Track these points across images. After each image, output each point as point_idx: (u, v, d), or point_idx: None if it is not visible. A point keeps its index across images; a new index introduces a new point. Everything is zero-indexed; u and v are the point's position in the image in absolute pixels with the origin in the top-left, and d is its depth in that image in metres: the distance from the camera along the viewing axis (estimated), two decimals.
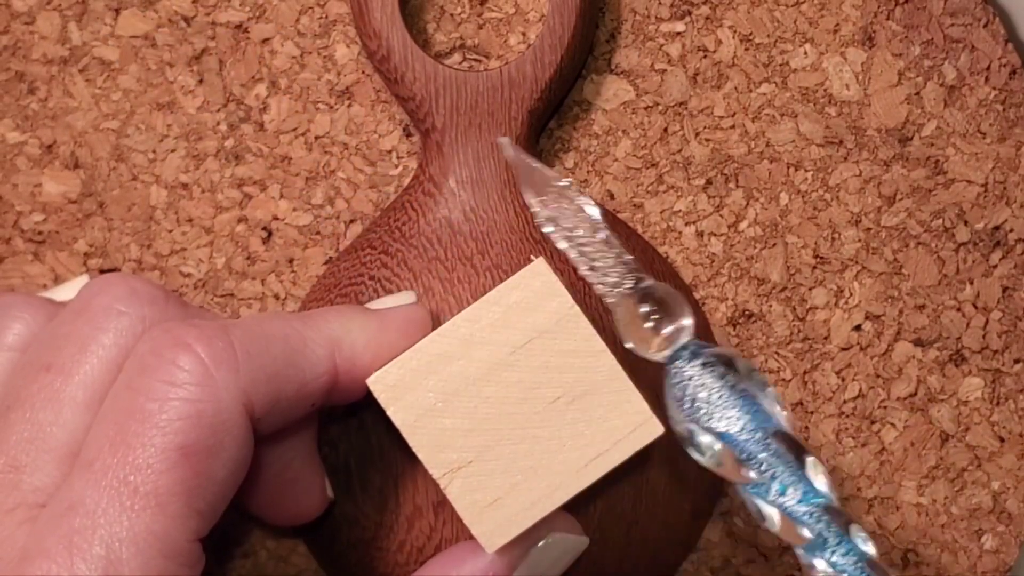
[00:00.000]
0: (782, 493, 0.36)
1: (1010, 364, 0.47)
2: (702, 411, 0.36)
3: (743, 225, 0.47)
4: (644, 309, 0.38)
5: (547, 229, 0.40)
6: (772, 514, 0.36)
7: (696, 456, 0.37)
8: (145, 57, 0.48)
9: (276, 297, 0.47)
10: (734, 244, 0.47)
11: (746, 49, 0.47)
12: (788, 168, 0.47)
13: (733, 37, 0.47)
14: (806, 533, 0.35)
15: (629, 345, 0.38)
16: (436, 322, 0.40)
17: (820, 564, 0.35)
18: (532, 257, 0.39)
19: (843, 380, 0.47)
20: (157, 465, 0.34)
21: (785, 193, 0.47)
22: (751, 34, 0.47)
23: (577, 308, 0.38)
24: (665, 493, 0.45)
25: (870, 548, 0.35)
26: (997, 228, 0.47)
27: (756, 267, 0.47)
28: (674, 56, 0.47)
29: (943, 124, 0.47)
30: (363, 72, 0.48)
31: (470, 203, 0.45)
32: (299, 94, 0.47)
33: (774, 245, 0.47)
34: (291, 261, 0.47)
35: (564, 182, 0.40)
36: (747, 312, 0.47)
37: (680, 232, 0.47)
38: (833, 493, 0.36)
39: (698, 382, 0.37)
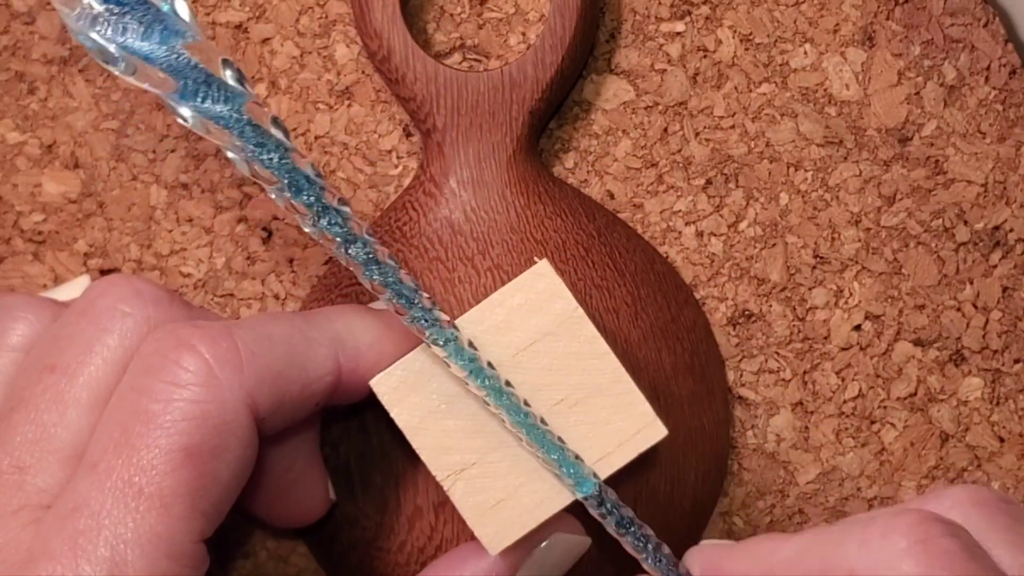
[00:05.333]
0: (202, 100, 0.34)
1: (1010, 364, 0.47)
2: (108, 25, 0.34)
3: (743, 225, 0.47)
4: None
5: None
6: (189, 115, 0.35)
7: (111, 69, 0.35)
8: None
9: (276, 297, 0.47)
10: (734, 244, 0.47)
11: (746, 49, 0.47)
12: (788, 168, 0.47)
13: (733, 37, 0.47)
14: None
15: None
16: None
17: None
18: (535, 259, 0.39)
19: (843, 380, 0.47)
20: (162, 466, 0.33)
21: (785, 193, 0.47)
22: (751, 34, 0.47)
23: (581, 310, 0.38)
24: (665, 494, 0.45)
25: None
26: (997, 228, 0.47)
27: (756, 267, 0.47)
28: (674, 56, 0.47)
29: (943, 124, 0.47)
30: (363, 72, 0.47)
31: (471, 203, 0.45)
32: (299, 94, 0.47)
33: (774, 245, 0.47)
34: (291, 261, 0.47)
35: None
36: (747, 312, 0.47)
37: (680, 232, 0.47)
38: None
39: None
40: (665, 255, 0.47)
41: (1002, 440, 0.47)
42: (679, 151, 0.47)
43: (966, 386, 0.47)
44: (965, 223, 0.47)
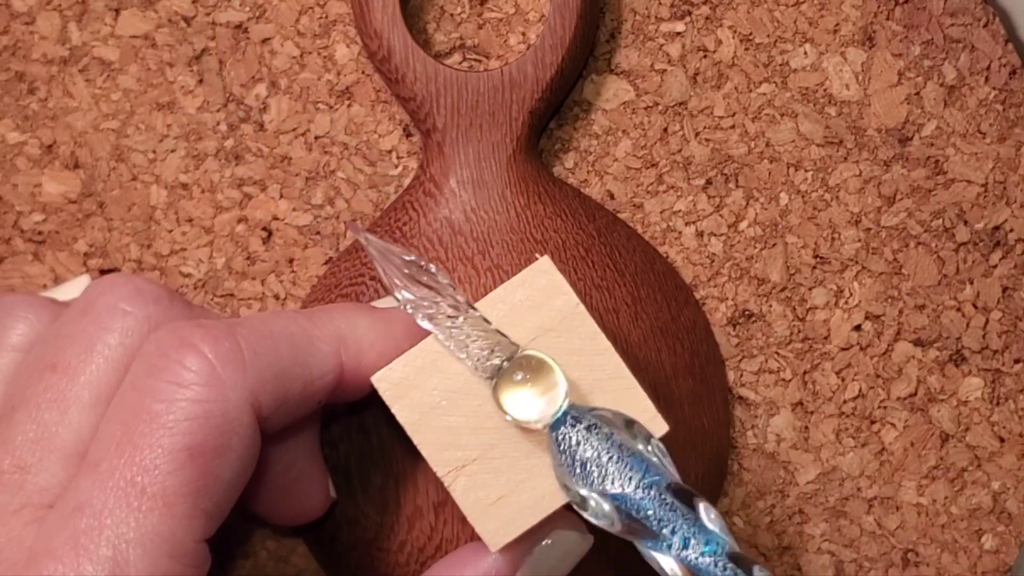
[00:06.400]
0: (684, 546, 0.35)
1: (1010, 364, 0.47)
2: (593, 475, 0.36)
3: (743, 225, 0.47)
4: (518, 377, 0.37)
5: (409, 309, 0.38)
6: (676, 570, 0.35)
7: (592, 519, 0.36)
8: (145, 57, 0.47)
9: (276, 297, 0.47)
10: (734, 244, 0.47)
11: (746, 49, 0.47)
12: (788, 168, 0.47)
13: (733, 37, 0.47)
14: None
15: (509, 417, 0.37)
16: None
17: None
18: (537, 255, 0.39)
19: (843, 380, 0.47)
20: (164, 466, 0.33)
21: (785, 193, 0.47)
22: (751, 34, 0.47)
23: (582, 306, 0.38)
24: None
25: None
26: (997, 228, 0.47)
27: (756, 267, 0.47)
28: (674, 56, 0.47)
29: (943, 124, 0.47)
30: (363, 72, 0.47)
31: (471, 203, 0.45)
32: (299, 94, 0.47)
33: (774, 245, 0.47)
34: (291, 261, 0.47)
35: (430, 266, 0.39)
36: (747, 312, 0.47)
37: (680, 232, 0.47)
38: (730, 536, 0.36)
39: (584, 446, 0.36)
40: (665, 255, 0.47)
41: (1002, 440, 0.47)
42: (679, 151, 0.47)
43: (966, 386, 0.47)
44: (965, 223, 0.47)
